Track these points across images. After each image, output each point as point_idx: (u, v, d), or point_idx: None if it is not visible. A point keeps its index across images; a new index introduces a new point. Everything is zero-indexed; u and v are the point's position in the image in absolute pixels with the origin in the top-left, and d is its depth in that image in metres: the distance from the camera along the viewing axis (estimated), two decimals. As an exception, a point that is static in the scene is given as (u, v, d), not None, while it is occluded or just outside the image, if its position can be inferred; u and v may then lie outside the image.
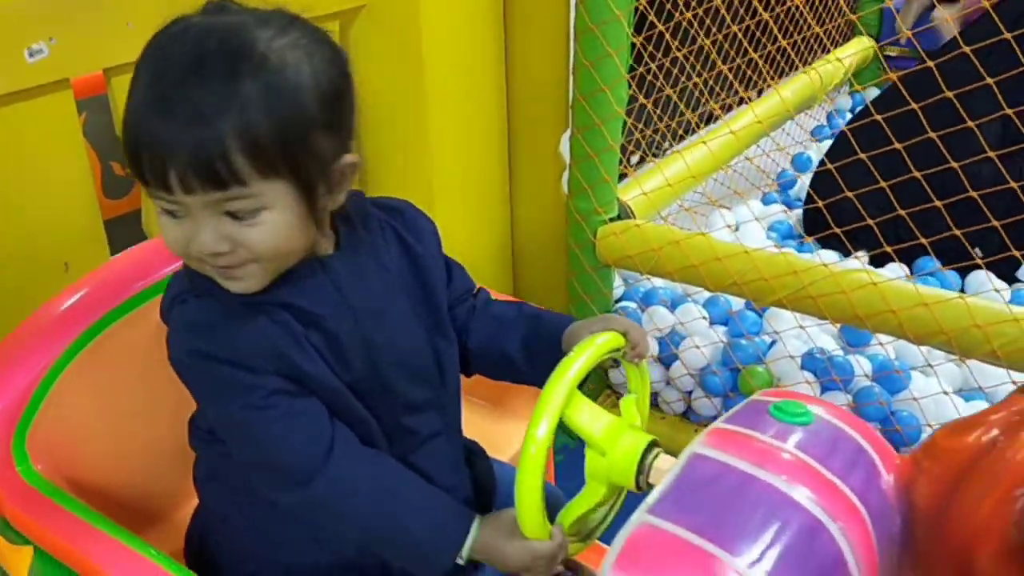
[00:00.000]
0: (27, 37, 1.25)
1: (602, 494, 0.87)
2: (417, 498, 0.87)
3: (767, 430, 0.82)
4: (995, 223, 1.75)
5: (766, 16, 2.11)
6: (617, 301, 2.26)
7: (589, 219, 2.12)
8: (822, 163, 2.46)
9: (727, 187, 2.72)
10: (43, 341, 0.99)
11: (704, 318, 2.11)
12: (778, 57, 2.80)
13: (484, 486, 1.03)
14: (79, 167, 1.36)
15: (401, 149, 2.03)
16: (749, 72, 2.55)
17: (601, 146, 2.02)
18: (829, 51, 3.32)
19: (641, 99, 2.25)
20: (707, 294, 2.19)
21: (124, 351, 1.03)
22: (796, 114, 2.82)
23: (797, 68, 2.94)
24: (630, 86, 2.06)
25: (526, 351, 0.98)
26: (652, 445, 0.86)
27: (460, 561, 0.86)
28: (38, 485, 0.95)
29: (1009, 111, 1.73)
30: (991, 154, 1.73)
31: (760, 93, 2.77)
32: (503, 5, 2.10)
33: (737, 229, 2.53)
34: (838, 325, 2.03)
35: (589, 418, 0.86)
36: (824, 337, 2.04)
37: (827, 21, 3.21)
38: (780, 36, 2.34)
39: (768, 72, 2.64)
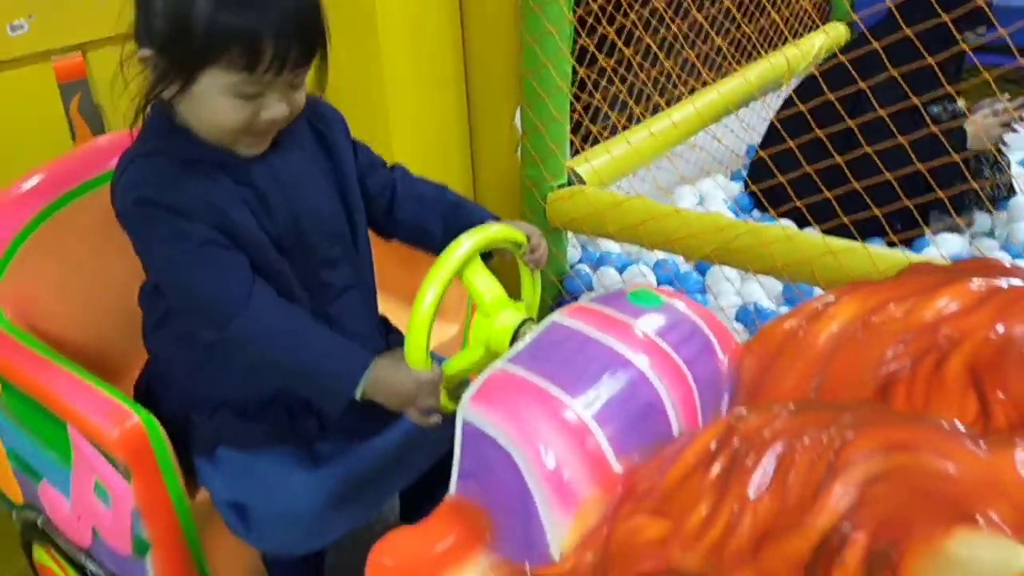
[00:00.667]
0: (9, 14, 1.42)
1: (480, 355, 1.03)
2: (323, 340, 1.02)
3: (620, 309, 0.98)
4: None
5: (728, 4, 2.27)
6: (572, 265, 2.42)
7: (540, 186, 2.29)
8: (767, 136, 2.62)
9: (694, 164, 2.88)
10: (9, 214, 1.16)
11: (648, 278, 2.27)
12: (744, 41, 2.95)
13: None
14: (58, 131, 1.54)
15: (363, 126, 2.19)
16: (714, 56, 2.71)
17: (548, 117, 2.19)
18: (801, 35, 3.44)
19: (617, 83, 2.41)
20: (656, 257, 2.35)
21: (79, 227, 1.20)
22: (762, 95, 2.96)
23: (767, 51, 3.09)
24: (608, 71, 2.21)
25: (446, 228, 1.13)
26: (528, 321, 1.02)
27: (357, 395, 1.00)
28: (5, 328, 1.11)
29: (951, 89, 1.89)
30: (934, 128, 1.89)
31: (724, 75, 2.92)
32: None
33: (701, 202, 2.69)
34: (780, 287, 2.19)
35: (484, 285, 1.02)
36: (766, 300, 2.19)
37: (795, 3, 3.33)
38: (744, 22, 2.50)
39: (732, 55, 2.81)
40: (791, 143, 2.15)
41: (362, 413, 1.05)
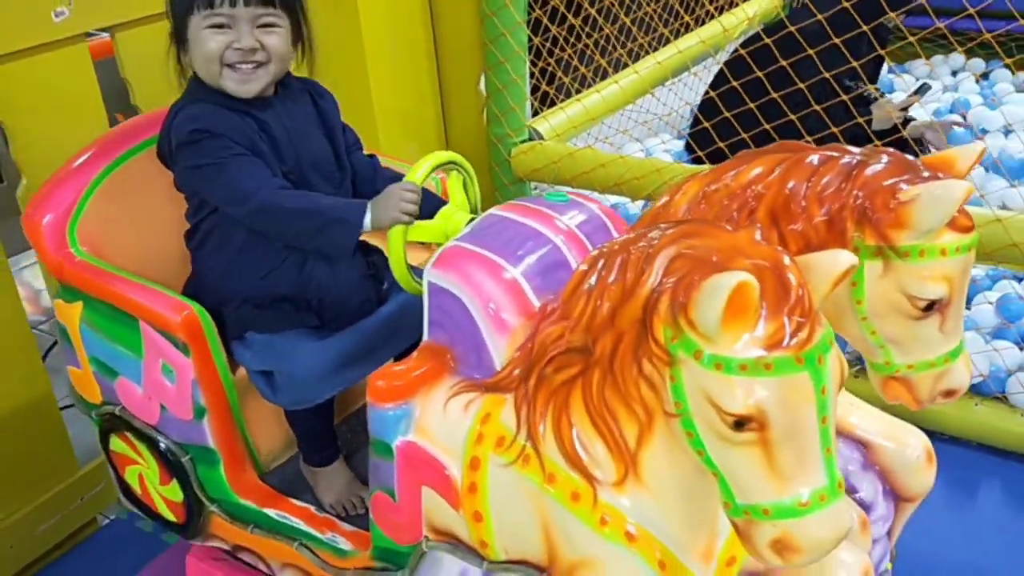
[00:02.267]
0: (53, 2, 1.77)
1: (438, 226, 1.39)
2: (329, 198, 1.40)
3: (538, 204, 1.35)
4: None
5: None
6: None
7: (504, 142, 2.67)
8: (706, 93, 3.00)
9: (642, 124, 3.24)
10: (86, 166, 1.53)
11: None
12: (682, 11, 3.30)
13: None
14: (93, 100, 1.89)
15: (346, 97, 2.59)
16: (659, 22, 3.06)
17: (507, 80, 2.57)
18: (737, 4, 3.81)
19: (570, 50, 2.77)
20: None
21: (139, 176, 1.56)
22: (702, 62, 3.32)
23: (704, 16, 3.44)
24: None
25: None
26: (474, 219, 1.40)
27: (367, 225, 1.32)
28: (85, 258, 1.48)
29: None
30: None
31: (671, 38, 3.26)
32: None
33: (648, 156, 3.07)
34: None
35: (458, 190, 1.43)
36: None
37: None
38: None
39: (672, 23, 3.17)
40: (727, 113, 2.53)
41: (350, 302, 1.44)
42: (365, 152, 1.61)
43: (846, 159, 1.21)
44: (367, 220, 1.33)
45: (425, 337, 1.29)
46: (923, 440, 1.40)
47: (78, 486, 2.03)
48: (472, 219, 1.41)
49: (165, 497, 1.60)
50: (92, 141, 1.55)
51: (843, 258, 0.95)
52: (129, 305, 1.42)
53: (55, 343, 2.49)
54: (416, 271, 1.43)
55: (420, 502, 1.26)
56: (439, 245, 1.40)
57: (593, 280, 1.07)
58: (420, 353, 1.28)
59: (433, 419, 1.23)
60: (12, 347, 1.87)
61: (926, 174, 1.16)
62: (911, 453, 1.38)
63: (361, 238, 1.38)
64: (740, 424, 0.93)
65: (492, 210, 1.35)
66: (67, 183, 1.50)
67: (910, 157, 1.22)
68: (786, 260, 0.94)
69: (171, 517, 1.61)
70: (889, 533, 1.43)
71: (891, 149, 1.24)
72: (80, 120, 1.86)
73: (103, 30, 1.90)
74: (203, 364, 1.41)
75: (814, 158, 1.21)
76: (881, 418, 1.41)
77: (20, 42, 1.74)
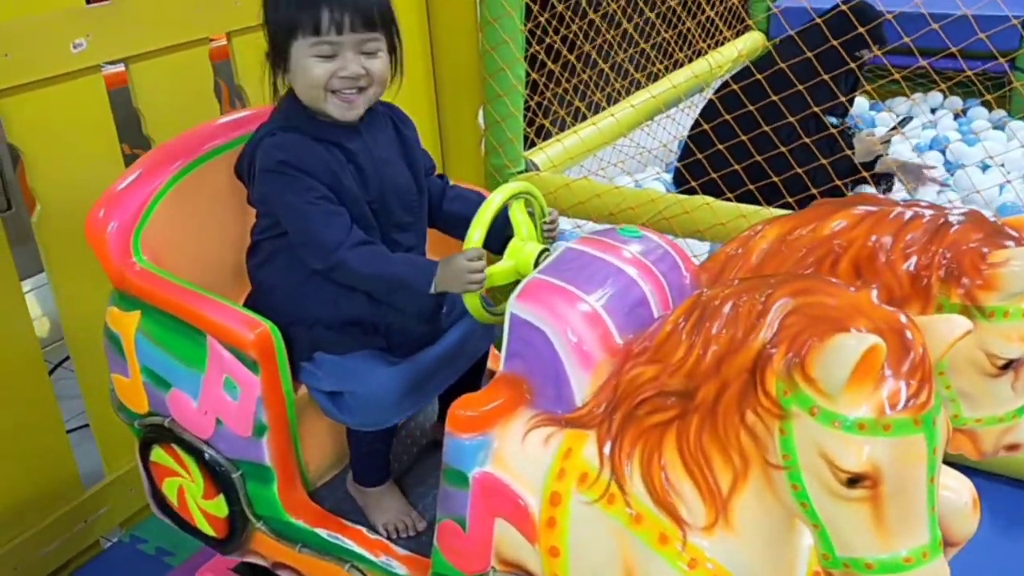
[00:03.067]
0: (73, 34, 1.78)
1: (510, 267, 1.39)
2: (402, 256, 1.40)
3: (613, 238, 1.37)
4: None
5: (652, 15, 2.70)
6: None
7: (501, 172, 2.72)
8: (696, 125, 3.05)
9: (634, 158, 3.30)
10: (152, 176, 1.50)
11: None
12: (675, 50, 3.37)
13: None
14: (106, 130, 1.90)
15: None
16: (650, 59, 3.12)
17: (506, 113, 2.61)
18: (723, 44, 3.89)
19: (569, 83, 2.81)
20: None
21: (204, 187, 1.53)
22: (691, 96, 3.39)
23: (691, 54, 3.52)
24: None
25: None
26: (546, 251, 1.40)
27: (433, 289, 1.34)
28: (149, 268, 1.46)
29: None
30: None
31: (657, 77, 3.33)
32: (426, 6, 2.72)
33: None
34: (706, 247, 2.62)
35: (523, 219, 1.42)
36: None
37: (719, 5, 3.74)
38: (664, 29, 2.92)
39: (666, 64, 3.23)
40: (720, 146, 2.57)
41: (417, 328, 1.45)
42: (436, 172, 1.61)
43: (929, 216, 1.24)
44: (433, 287, 1.35)
45: (503, 367, 1.29)
46: (970, 487, 1.43)
47: (82, 509, 2.00)
48: (544, 250, 1.42)
49: (206, 511, 1.57)
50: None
51: (960, 323, 0.97)
52: (198, 319, 1.40)
53: (56, 367, 2.47)
54: (487, 301, 1.44)
55: (492, 533, 1.26)
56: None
57: (690, 323, 1.08)
58: (497, 384, 1.28)
59: (512, 451, 1.23)
60: (22, 370, 1.85)
61: (1013, 234, 1.20)
62: (958, 499, 1.42)
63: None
64: (854, 481, 0.95)
65: (570, 244, 1.36)
66: (133, 190, 1.47)
67: (990, 216, 1.25)
68: (905, 321, 0.97)
69: (210, 531, 1.59)
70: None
71: (969, 208, 1.28)
72: (95, 149, 1.87)
73: (118, 61, 1.90)
74: (271, 382, 1.39)
75: (899, 213, 1.24)
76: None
77: (39, 72, 1.74)
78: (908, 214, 1.24)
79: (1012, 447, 1.28)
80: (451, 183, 1.60)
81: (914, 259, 1.20)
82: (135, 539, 2.08)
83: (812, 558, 1.10)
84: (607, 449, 1.15)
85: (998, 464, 2.16)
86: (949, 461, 1.41)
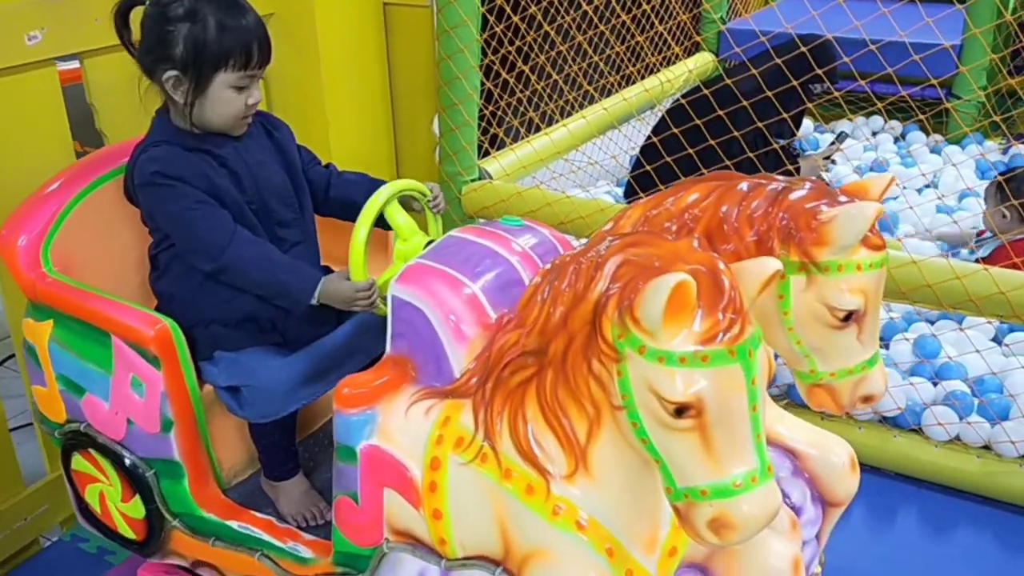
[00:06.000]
0: (27, 26, 1.88)
1: (400, 268, 1.49)
2: (287, 264, 1.52)
3: (494, 227, 1.47)
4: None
5: (604, 28, 2.82)
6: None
7: (455, 180, 2.80)
8: (647, 139, 3.18)
9: (586, 170, 3.39)
10: (60, 191, 1.63)
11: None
12: (629, 68, 3.50)
13: None
14: (59, 124, 1.98)
15: (304, 134, 2.70)
16: (602, 72, 3.24)
17: (460, 121, 2.71)
18: (675, 62, 4.03)
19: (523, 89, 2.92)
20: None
21: (109, 203, 1.65)
22: (643, 112, 3.50)
23: (645, 76, 3.65)
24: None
25: (367, 197, 1.60)
26: (432, 241, 1.49)
27: (314, 301, 1.47)
28: (58, 277, 1.55)
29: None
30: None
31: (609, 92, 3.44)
32: (383, 15, 2.83)
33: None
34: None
35: (402, 218, 1.54)
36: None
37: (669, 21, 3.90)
38: (616, 44, 3.06)
39: (616, 79, 3.35)
40: (667, 158, 2.71)
41: (311, 322, 1.56)
42: (324, 163, 1.74)
43: (772, 186, 1.35)
44: (316, 298, 1.48)
45: (388, 349, 1.38)
46: (847, 448, 1.52)
47: (23, 506, 2.08)
48: (430, 240, 1.50)
49: (126, 514, 1.65)
50: (64, 167, 1.65)
51: (770, 264, 1.07)
52: (103, 321, 1.50)
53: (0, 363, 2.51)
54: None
55: (382, 504, 1.34)
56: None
57: (546, 290, 1.17)
58: (383, 364, 1.38)
59: (395, 424, 1.32)
60: None
61: (843, 199, 1.29)
62: (836, 460, 1.50)
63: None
64: (680, 411, 1.04)
65: (452, 232, 1.46)
66: (41, 206, 1.60)
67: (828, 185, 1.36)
68: (720, 265, 1.07)
69: (131, 535, 1.67)
70: (818, 537, 1.54)
71: (812, 178, 1.38)
72: (47, 142, 1.97)
73: (73, 56, 2.01)
74: (173, 376, 1.49)
75: (744, 185, 1.35)
76: (808, 428, 1.53)
77: None
78: (752, 184, 1.34)
79: (867, 398, 1.37)
80: (336, 168, 1.73)
81: (757, 225, 1.30)
82: (76, 538, 2.13)
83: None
84: (482, 414, 1.23)
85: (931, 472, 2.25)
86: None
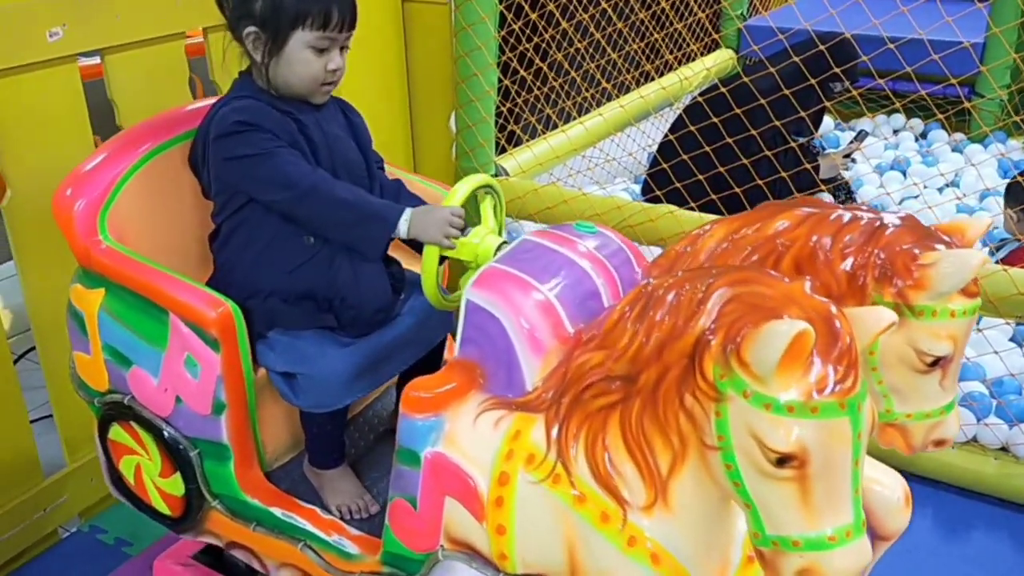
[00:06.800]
0: (48, 23, 1.82)
1: (475, 247, 1.44)
2: (373, 197, 1.46)
3: (569, 232, 1.41)
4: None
5: (622, 25, 2.76)
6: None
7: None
8: (665, 137, 3.13)
9: (603, 167, 3.36)
10: (119, 157, 1.54)
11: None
12: (647, 65, 3.45)
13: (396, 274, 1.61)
14: (81, 118, 1.93)
15: None
16: (620, 69, 3.19)
17: (478, 118, 2.66)
18: (692, 57, 3.98)
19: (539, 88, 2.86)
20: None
21: (170, 171, 1.57)
22: (661, 110, 3.46)
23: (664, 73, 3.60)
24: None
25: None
26: (504, 243, 1.44)
27: (403, 233, 1.40)
28: (115, 246, 1.48)
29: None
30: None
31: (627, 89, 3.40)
32: (402, 12, 2.79)
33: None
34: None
35: (490, 212, 1.47)
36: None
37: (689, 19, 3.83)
38: (635, 40, 3.00)
39: (634, 76, 3.31)
40: (684, 156, 2.66)
41: (367, 306, 1.51)
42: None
43: (867, 218, 1.29)
44: (403, 225, 1.40)
45: (456, 353, 1.33)
46: (902, 483, 1.49)
47: (42, 497, 2.02)
48: (503, 243, 1.46)
49: (163, 490, 1.60)
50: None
51: (885, 315, 1.03)
52: (162, 297, 1.43)
53: (19, 358, 2.47)
54: (443, 289, 1.48)
55: (441, 512, 1.29)
56: (469, 264, 1.45)
57: (635, 312, 1.13)
58: (450, 368, 1.32)
59: (463, 433, 1.27)
60: None
61: (945, 238, 1.26)
62: (891, 495, 1.47)
63: (393, 244, 1.45)
64: (782, 461, 0.99)
65: (527, 236, 1.40)
66: (101, 170, 1.50)
67: (922, 222, 1.31)
68: (834, 311, 1.02)
69: (165, 510, 1.62)
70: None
71: (904, 213, 1.34)
72: (67, 137, 1.91)
73: (94, 52, 1.94)
74: (231, 360, 1.42)
75: (838, 215, 1.30)
76: (866, 461, 1.50)
77: (15, 59, 1.78)
78: (847, 216, 1.29)
79: (939, 443, 1.33)
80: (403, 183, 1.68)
81: (851, 259, 1.26)
82: (94, 529, 2.09)
83: (747, 542, 1.15)
84: (554, 432, 1.20)
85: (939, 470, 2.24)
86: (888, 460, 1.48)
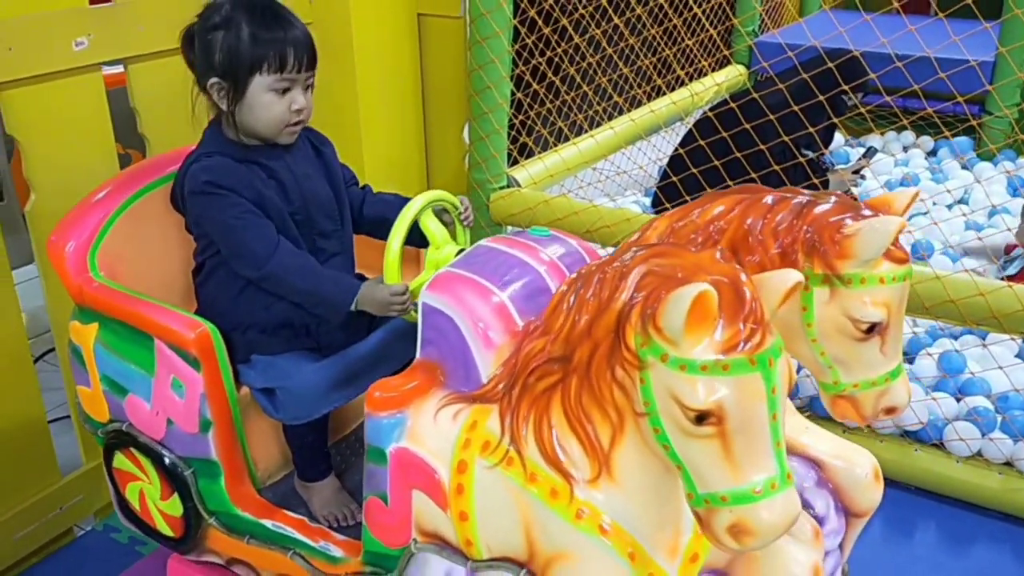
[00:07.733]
0: (75, 33, 1.96)
1: (432, 276, 1.52)
2: (328, 274, 1.56)
3: (523, 237, 1.49)
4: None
5: (634, 40, 2.85)
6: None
7: (484, 187, 2.84)
8: (675, 151, 3.19)
9: (614, 180, 3.42)
10: (107, 199, 1.67)
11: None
12: (658, 80, 3.53)
13: None
14: (104, 126, 2.05)
15: (338, 140, 2.76)
16: (631, 84, 3.28)
17: (490, 130, 2.75)
18: (706, 75, 4.05)
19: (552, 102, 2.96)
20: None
21: (154, 211, 1.70)
22: (671, 124, 3.53)
23: (675, 88, 3.67)
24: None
25: None
26: (463, 250, 1.52)
27: (352, 307, 1.51)
28: (104, 282, 1.61)
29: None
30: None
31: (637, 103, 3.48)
32: (417, 25, 2.89)
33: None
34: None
35: (435, 226, 1.57)
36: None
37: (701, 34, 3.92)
38: (645, 55, 3.09)
39: (646, 90, 3.39)
40: (693, 170, 2.72)
41: (344, 329, 1.59)
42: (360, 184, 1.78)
43: (797, 199, 1.36)
44: (354, 305, 1.52)
45: (418, 355, 1.41)
46: (871, 459, 1.52)
47: (58, 496, 2.13)
48: (461, 249, 1.54)
49: (164, 512, 1.69)
50: (107, 169, 1.70)
51: (790, 276, 1.09)
52: (145, 324, 1.55)
53: (37, 359, 2.58)
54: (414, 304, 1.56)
55: (410, 505, 1.37)
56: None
57: (572, 298, 1.19)
58: (413, 369, 1.40)
59: (424, 427, 1.35)
60: (9, 357, 1.99)
61: (867, 213, 1.31)
62: (860, 471, 1.51)
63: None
64: (701, 418, 1.05)
65: (481, 242, 1.49)
66: (89, 214, 1.65)
67: (852, 199, 1.37)
68: (742, 276, 1.08)
69: (169, 532, 1.71)
70: (841, 547, 1.54)
71: (838, 192, 1.39)
72: (91, 144, 2.03)
73: (118, 61, 2.07)
74: (212, 378, 1.53)
75: (769, 198, 1.36)
76: (832, 439, 1.53)
77: (41, 67, 1.90)
78: (777, 197, 1.35)
79: (890, 410, 1.37)
80: (373, 191, 1.76)
81: (781, 238, 1.31)
82: (109, 527, 2.18)
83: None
84: (508, 419, 1.26)
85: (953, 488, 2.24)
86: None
